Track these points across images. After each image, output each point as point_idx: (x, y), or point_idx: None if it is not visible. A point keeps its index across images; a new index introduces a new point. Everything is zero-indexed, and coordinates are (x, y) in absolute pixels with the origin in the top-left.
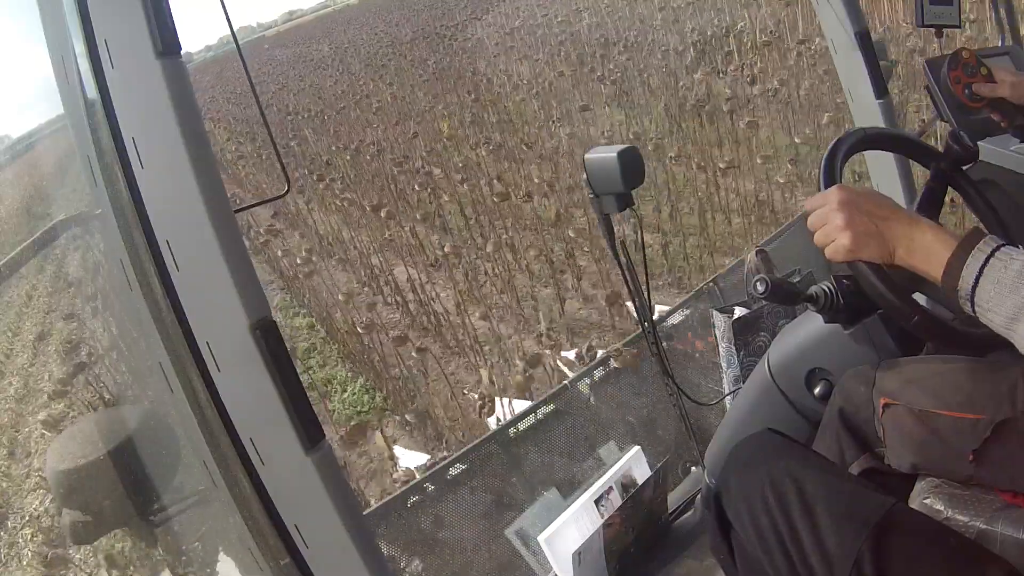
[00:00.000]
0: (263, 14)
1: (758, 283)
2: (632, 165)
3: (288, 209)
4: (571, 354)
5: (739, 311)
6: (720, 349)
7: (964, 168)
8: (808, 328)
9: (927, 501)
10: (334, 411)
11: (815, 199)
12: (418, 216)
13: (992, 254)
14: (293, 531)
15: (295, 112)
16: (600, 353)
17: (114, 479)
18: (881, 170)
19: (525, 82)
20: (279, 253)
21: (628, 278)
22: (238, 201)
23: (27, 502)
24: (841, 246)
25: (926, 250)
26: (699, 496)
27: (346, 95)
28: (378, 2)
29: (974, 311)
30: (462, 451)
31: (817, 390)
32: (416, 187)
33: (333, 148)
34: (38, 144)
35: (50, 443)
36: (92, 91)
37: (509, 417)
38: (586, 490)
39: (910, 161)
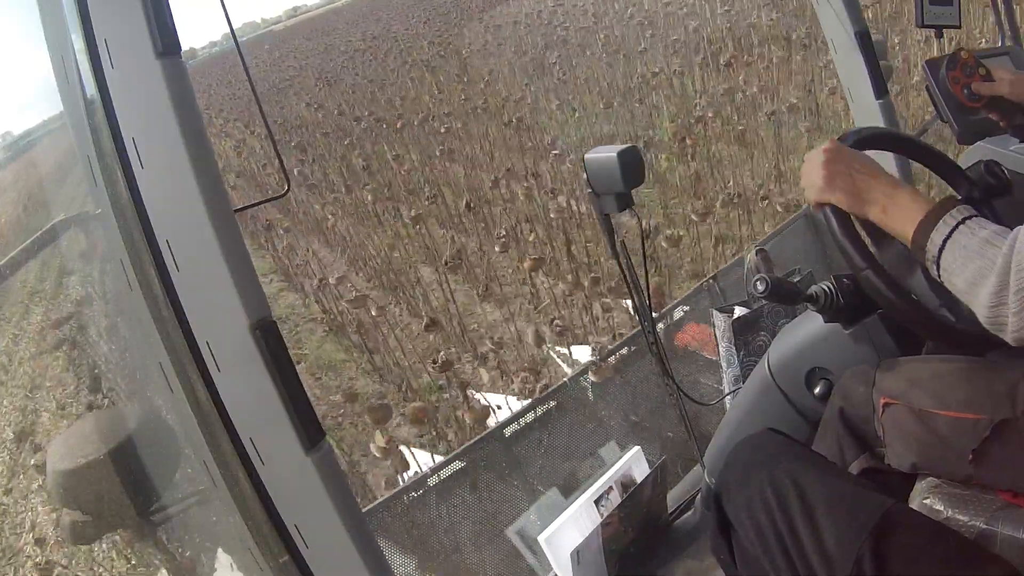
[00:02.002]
0: (266, 10)
1: (758, 282)
2: (632, 165)
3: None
4: None
5: (739, 311)
6: (720, 349)
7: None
8: (808, 328)
9: (927, 501)
10: None
11: (811, 151)
12: None
13: (963, 221)
14: (293, 531)
15: (369, 115)
16: (587, 358)
17: (114, 479)
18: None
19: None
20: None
21: (628, 278)
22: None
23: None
24: (815, 187)
25: (901, 212)
26: (699, 496)
27: (438, 99)
28: None
29: (939, 274)
30: (461, 449)
31: (817, 390)
32: None
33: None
34: (38, 144)
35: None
36: (92, 91)
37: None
38: (586, 490)
39: (910, 162)
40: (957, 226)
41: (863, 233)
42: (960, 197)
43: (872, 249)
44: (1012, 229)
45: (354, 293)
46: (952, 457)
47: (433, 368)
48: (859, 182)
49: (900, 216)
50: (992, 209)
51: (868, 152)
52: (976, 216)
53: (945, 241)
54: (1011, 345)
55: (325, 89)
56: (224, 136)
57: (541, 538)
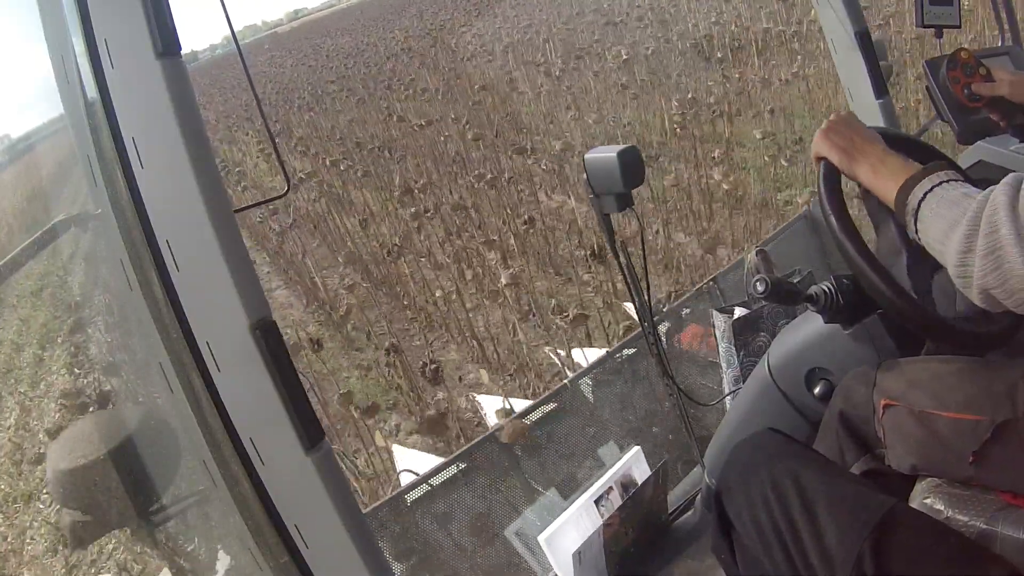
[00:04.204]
0: (267, 13)
1: (758, 283)
2: (632, 165)
3: None
4: None
5: (739, 311)
6: (720, 349)
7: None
8: (808, 328)
9: (927, 501)
10: None
11: None
12: None
13: (947, 180)
14: (293, 531)
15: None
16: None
17: (114, 479)
18: None
19: None
20: None
21: (628, 278)
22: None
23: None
24: (816, 139)
25: (890, 172)
26: (699, 496)
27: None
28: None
29: (916, 229)
30: (461, 450)
31: (817, 390)
32: None
33: None
34: (38, 144)
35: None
36: (92, 91)
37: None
38: (586, 490)
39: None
40: (940, 183)
41: (863, 235)
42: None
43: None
44: None
45: None
46: (953, 459)
47: None
48: (855, 143)
49: (888, 176)
50: None
51: None
52: (961, 180)
53: (926, 194)
54: (1010, 345)
55: (408, 97)
56: (262, 158)
57: (541, 538)
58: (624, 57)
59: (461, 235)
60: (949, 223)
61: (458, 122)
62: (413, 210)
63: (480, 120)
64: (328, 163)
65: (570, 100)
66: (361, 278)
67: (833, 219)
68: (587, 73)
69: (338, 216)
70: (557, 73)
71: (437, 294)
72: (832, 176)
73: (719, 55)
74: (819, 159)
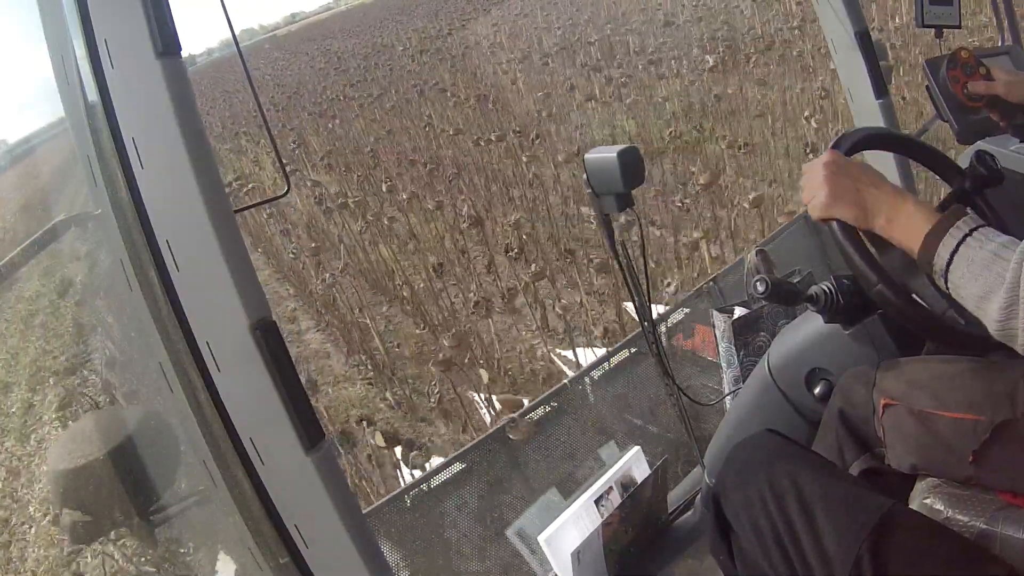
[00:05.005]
0: (264, 17)
1: (758, 283)
2: (632, 165)
3: None
4: None
5: (739, 311)
6: (720, 349)
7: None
8: (808, 328)
9: (927, 501)
10: None
11: (810, 162)
12: None
13: (969, 234)
14: (293, 531)
15: None
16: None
17: (114, 479)
18: (881, 169)
19: None
20: None
21: (628, 278)
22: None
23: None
24: (819, 203)
25: (907, 223)
26: (699, 496)
27: None
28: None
29: (947, 287)
30: (462, 450)
31: (817, 390)
32: None
33: None
34: (38, 145)
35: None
36: (92, 91)
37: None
38: (586, 490)
39: (911, 162)
40: (964, 239)
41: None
42: (953, 188)
43: (874, 251)
44: (1014, 236)
45: None
46: (952, 459)
47: None
48: (864, 194)
49: (905, 227)
50: (987, 203)
51: (866, 152)
52: (983, 227)
53: (952, 255)
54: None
55: (456, 105)
56: (278, 173)
57: (541, 538)
58: (710, 64)
59: (555, 284)
60: (983, 291)
61: (523, 135)
62: (533, 268)
63: (557, 135)
64: (385, 189)
65: (668, 115)
66: (441, 340)
67: (861, 264)
68: (673, 82)
69: (400, 256)
70: (623, 80)
71: (524, 346)
72: (851, 234)
73: (818, 63)
74: (827, 220)
